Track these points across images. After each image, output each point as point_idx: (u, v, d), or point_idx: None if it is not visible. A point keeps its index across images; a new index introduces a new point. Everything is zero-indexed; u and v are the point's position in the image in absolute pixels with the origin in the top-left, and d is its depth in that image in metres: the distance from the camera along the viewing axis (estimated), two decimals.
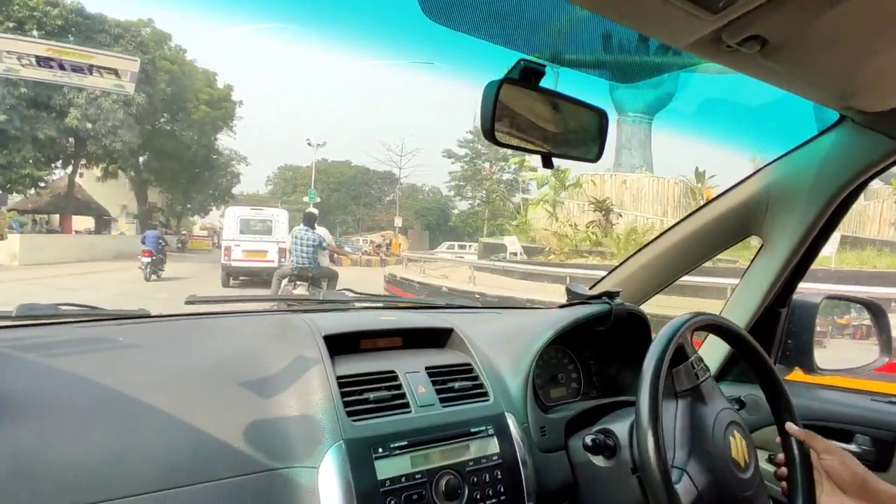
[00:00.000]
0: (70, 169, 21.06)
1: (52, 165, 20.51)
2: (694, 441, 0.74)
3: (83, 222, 23.15)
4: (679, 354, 0.76)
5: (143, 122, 19.72)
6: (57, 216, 22.42)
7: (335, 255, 6.67)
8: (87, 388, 0.70)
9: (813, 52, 0.67)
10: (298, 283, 5.63)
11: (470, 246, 28.40)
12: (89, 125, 17.81)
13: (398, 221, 33.26)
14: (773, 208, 1.07)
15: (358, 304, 1.19)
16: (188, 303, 1.02)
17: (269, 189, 45.85)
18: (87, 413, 0.66)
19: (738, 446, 0.76)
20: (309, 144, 32.47)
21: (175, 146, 22.69)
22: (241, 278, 11.25)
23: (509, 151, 36.24)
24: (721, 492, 0.72)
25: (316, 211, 6.81)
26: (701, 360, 0.80)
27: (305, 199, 31.41)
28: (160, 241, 11.84)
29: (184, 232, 29.57)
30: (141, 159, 23.33)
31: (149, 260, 11.13)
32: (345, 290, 1.25)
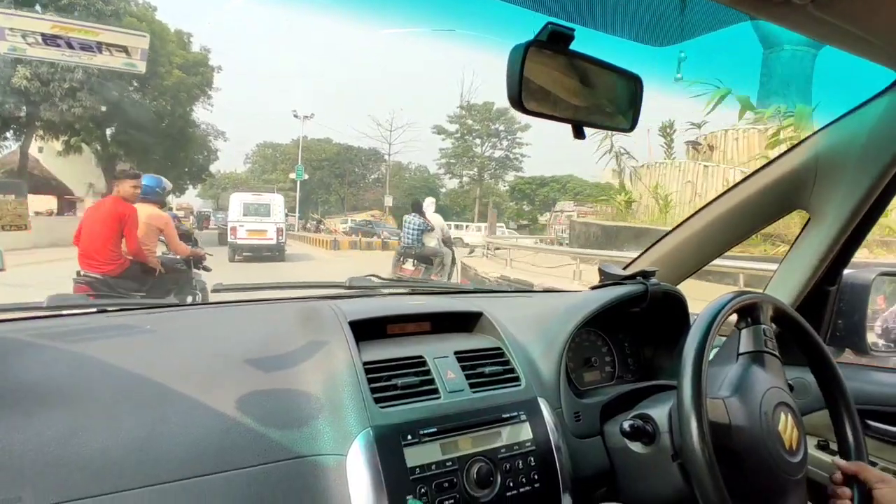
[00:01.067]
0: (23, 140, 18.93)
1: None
2: (740, 393, 0.74)
3: (44, 202, 22.03)
4: (750, 314, 0.76)
5: (106, 86, 17.41)
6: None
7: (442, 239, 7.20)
8: (116, 375, 0.72)
9: (869, 1, 0.64)
10: (406, 259, 6.71)
11: (467, 226, 27.85)
12: (41, 86, 15.67)
13: (388, 200, 32.82)
14: (822, 179, 1.04)
15: (385, 290, 1.20)
16: (214, 291, 1.06)
17: (248, 167, 45.39)
18: (116, 400, 0.69)
19: (786, 426, 0.76)
20: (295, 116, 31.84)
21: (146, 116, 20.37)
22: (244, 254, 13.41)
23: (501, 128, 36.28)
24: (766, 471, 0.72)
25: (423, 200, 7.64)
26: (772, 331, 0.80)
27: (292, 176, 30.97)
28: None
29: None
30: (108, 131, 21.52)
31: None
32: (371, 275, 1.26)
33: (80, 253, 3.51)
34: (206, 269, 4.23)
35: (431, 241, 6.89)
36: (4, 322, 0.85)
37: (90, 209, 3.80)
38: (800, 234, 1.11)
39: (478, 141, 37.49)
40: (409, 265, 6.64)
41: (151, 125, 20.93)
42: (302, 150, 37.78)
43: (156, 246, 3.84)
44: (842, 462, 0.80)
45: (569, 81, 0.78)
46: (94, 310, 0.95)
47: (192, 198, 40.44)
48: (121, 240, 3.49)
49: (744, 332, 0.78)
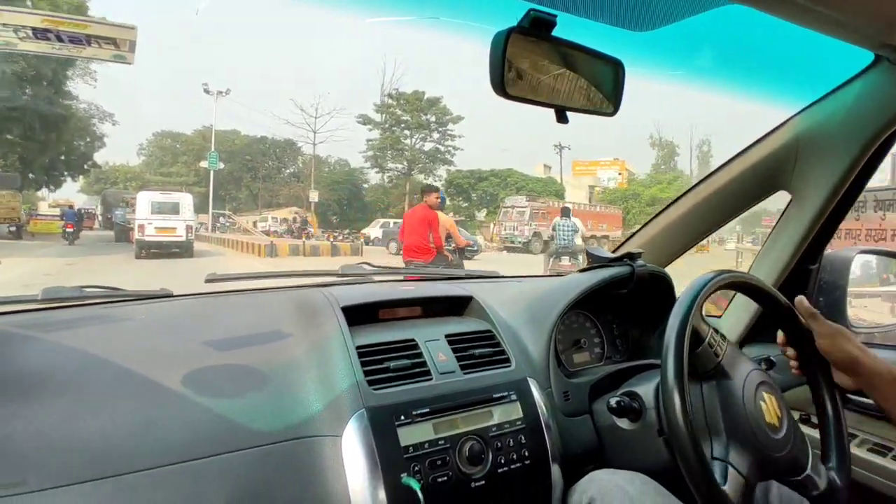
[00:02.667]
0: None
1: None
2: (727, 422, 0.81)
3: None
4: (695, 337, 0.84)
5: None
6: None
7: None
8: (113, 363, 0.79)
9: None
10: (563, 257, 8.41)
11: None
12: None
13: (314, 195, 31.63)
14: (803, 160, 1.13)
15: (377, 278, 1.29)
16: (208, 281, 1.12)
17: (143, 160, 42.71)
18: (112, 388, 0.75)
19: (769, 409, 0.84)
20: (207, 92, 29.14)
21: None
22: (152, 251, 14.26)
23: (432, 119, 36.22)
24: (760, 462, 0.79)
25: (570, 205, 8.95)
26: (717, 332, 0.88)
27: (203, 164, 28.64)
28: None
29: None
30: None
31: None
32: (363, 263, 1.34)
33: (405, 247, 5.09)
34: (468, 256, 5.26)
35: (579, 240, 8.79)
36: (2, 315, 0.90)
37: (407, 214, 5.59)
38: (782, 215, 1.22)
39: (407, 132, 36.98)
40: (566, 261, 8.34)
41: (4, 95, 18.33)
42: (206, 141, 35.64)
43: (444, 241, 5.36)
44: (803, 303, 0.88)
45: (551, 67, 0.83)
46: (89, 301, 1.01)
47: (73, 194, 36.37)
48: (429, 236, 4.98)
49: (694, 356, 0.83)
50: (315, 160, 39.44)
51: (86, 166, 27.20)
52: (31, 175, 24.29)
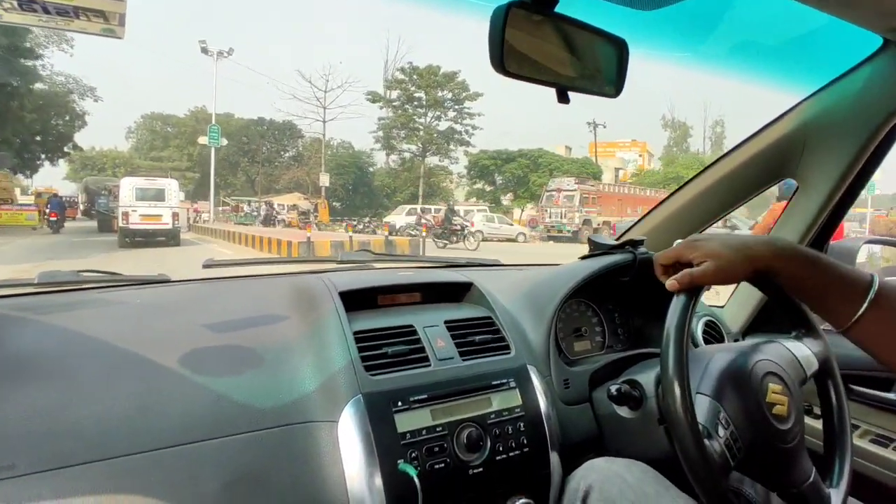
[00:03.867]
0: None
1: None
2: (727, 378, 0.87)
3: None
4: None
5: None
6: None
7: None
8: (108, 347, 0.86)
9: None
10: None
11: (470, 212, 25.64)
12: None
13: (324, 179, 31.06)
14: (810, 147, 1.20)
15: (377, 265, 1.37)
16: (206, 267, 1.21)
17: (133, 143, 43.13)
18: (109, 371, 0.82)
19: (775, 396, 0.88)
20: (205, 52, 28.21)
21: None
22: (136, 239, 14.80)
23: (448, 96, 36.00)
24: (757, 439, 0.84)
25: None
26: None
27: (203, 140, 27.81)
28: None
29: None
30: None
31: None
32: (363, 249, 1.44)
33: None
34: None
35: None
36: None
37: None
38: (788, 203, 1.29)
39: (421, 110, 36.60)
40: None
41: None
42: (199, 123, 35.60)
43: None
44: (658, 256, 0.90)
45: (553, 45, 0.88)
46: (86, 286, 1.09)
47: (59, 182, 36.96)
48: None
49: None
50: (317, 143, 38.81)
51: (66, 148, 26.54)
52: None
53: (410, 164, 38.59)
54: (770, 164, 1.29)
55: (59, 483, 0.69)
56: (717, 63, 1.26)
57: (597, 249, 1.27)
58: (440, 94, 36.10)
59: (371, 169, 40.21)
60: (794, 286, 0.84)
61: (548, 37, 0.87)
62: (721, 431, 0.83)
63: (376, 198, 37.23)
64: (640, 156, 41.86)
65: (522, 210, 32.72)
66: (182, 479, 0.74)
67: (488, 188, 37.53)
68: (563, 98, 0.91)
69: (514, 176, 34.96)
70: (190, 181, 38.57)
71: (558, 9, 0.83)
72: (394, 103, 37.39)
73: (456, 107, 36.74)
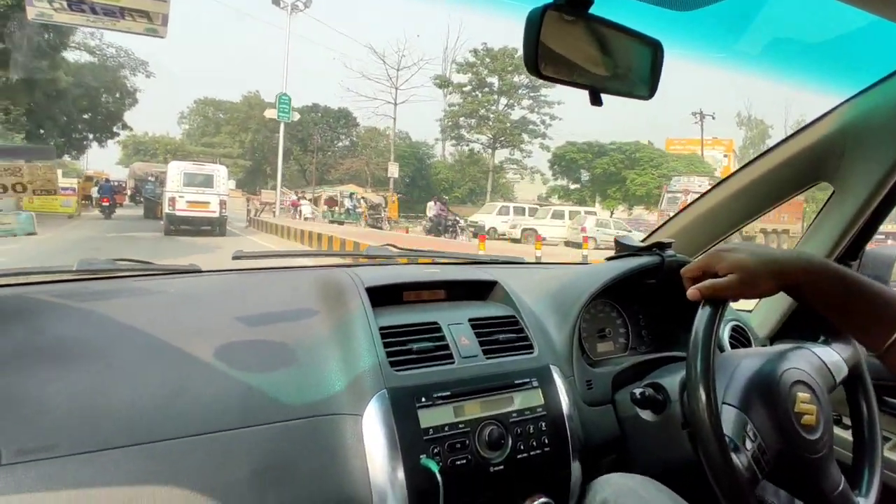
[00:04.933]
0: None
1: None
2: (754, 387, 0.94)
3: None
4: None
5: None
6: None
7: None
8: (142, 334, 0.97)
9: None
10: None
11: (532, 210, 25.72)
12: None
13: (393, 169, 30.27)
14: (849, 151, 1.25)
15: (402, 260, 1.50)
16: (235, 258, 1.34)
17: (185, 129, 44.50)
18: (142, 358, 0.93)
19: (804, 404, 0.94)
20: (277, 4, 28.19)
21: None
22: (182, 227, 15.49)
23: (524, 80, 35.59)
24: (785, 451, 0.90)
25: None
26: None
27: (270, 114, 26.78)
28: None
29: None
30: None
31: None
32: (388, 245, 1.56)
33: None
34: None
35: None
36: (39, 284, 1.12)
37: None
38: (822, 208, 1.34)
39: (494, 97, 35.89)
40: None
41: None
42: (252, 108, 36.14)
43: None
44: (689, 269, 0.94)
45: (587, 46, 0.94)
46: (121, 274, 1.22)
47: (112, 166, 39.20)
48: None
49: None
50: (371, 132, 39.00)
51: (115, 128, 26.21)
52: (40, 132, 21.29)
53: (471, 156, 37.90)
54: (806, 167, 1.34)
55: (97, 466, 0.76)
56: (755, 63, 1.31)
57: (623, 251, 1.35)
58: (516, 79, 35.81)
59: (430, 161, 40.24)
60: (823, 304, 0.86)
61: (582, 38, 0.93)
62: (748, 444, 0.89)
63: (433, 192, 37.07)
64: (726, 155, 39.94)
65: (612, 212, 31.84)
66: (212, 466, 0.82)
67: (572, 185, 36.44)
68: (595, 100, 0.96)
69: (605, 172, 33.73)
70: (241, 169, 39.51)
71: (592, 10, 0.89)
72: (464, 88, 36.87)
73: (531, 94, 36.62)
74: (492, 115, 36.74)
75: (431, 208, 22.39)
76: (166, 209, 15.90)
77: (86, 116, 23.92)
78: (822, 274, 0.86)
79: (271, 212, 25.81)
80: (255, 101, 40.98)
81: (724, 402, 0.93)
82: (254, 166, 41.98)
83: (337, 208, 27.14)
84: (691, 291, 0.90)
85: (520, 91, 36.37)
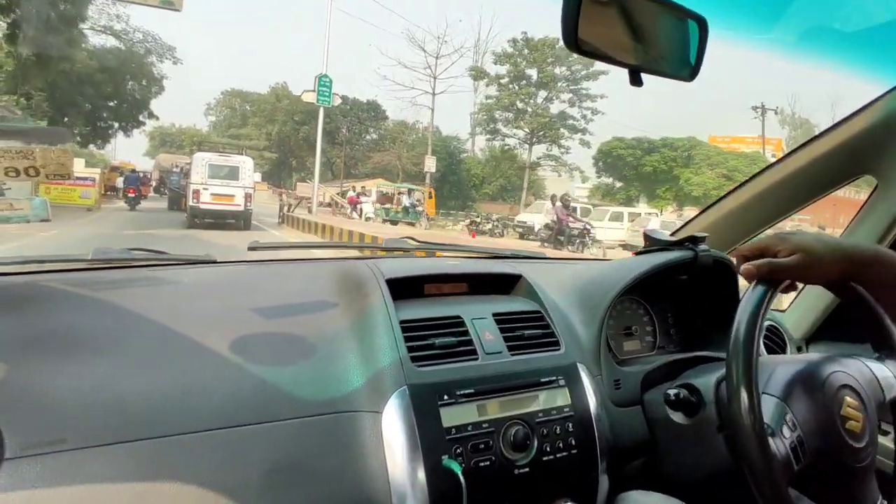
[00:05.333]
0: None
1: None
2: (797, 381, 0.92)
3: None
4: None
5: None
6: None
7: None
8: (155, 325, 0.97)
9: None
10: None
11: (585, 211, 24.30)
12: None
13: (430, 164, 29.27)
14: (894, 142, 1.23)
15: (419, 252, 1.50)
16: (251, 248, 1.34)
17: (212, 120, 45.63)
18: (156, 349, 0.92)
19: (850, 409, 0.92)
20: None
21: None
22: (206, 220, 15.61)
23: (564, 72, 35.16)
24: (828, 457, 0.89)
25: None
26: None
27: (308, 98, 24.23)
28: None
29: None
30: None
31: None
32: (407, 237, 1.56)
33: None
34: None
35: None
36: (52, 272, 1.13)
37: None
38: (866, 201, 1.32)
39: (532, 90, 36.05)
40: None
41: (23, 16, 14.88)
42: (280, 100, 36.53)
43: None
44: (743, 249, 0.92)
45: (628, 22, 0.94)
46: (136, 263, 1.24)
47: (139, 157, 40.08)
48: None
49: None
50: (400, 126, 39.11)
51: (141, 117, 26.18)
52: (64, 120, 21.57)
53: (506, 151, 37.60)
54: (847, 160, 1.32)
55: (107, 459, 0.76)
56: (795, 49, 1.29)
57: (653, 245, 1.33)
58: (557, 70, 35.39)
59: (461, 156, 40.07)
60: (889, 301, 0.85)
61: (623, 13, 0.93)
62: (787, 432, 0.87)
63: (463, 188, 36.97)
64: (774, 155, 39.00)
65: (660, 213, 31.32)
66: (226, 462, 0.81)
67: (618, 183, 35.46)
68: (635, 80, 0.95)
69: (655, 171, 32.76)
70: (267, 162, 40.06)
71: None
72: (501, 80, 36.36)
73: (571, 87, 36.09)
74: (530, 109, 36.22)
75: (549, 211, 19.69)
76: (190, 202, 15.99)
77: (111, 104, 23.89)
78: (892, 266, 0.84)
79: (306, 207, 23.87)
80: (283, 93, 41.57)
81: (763, 392, 0.91)
82: (280, 159, 42.54)
83: (392, 206, 25.81)
84: (746, 267, 0.88)
85: (559, 84, 35.76)
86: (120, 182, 21.99)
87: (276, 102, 40.80)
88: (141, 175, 24.11)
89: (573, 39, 0.86)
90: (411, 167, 36.64)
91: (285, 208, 21.74)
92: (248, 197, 16.28)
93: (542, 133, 35.95)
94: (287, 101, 40.56)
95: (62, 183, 16.42)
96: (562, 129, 36.13)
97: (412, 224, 23.29)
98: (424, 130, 40.95)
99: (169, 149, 40.24)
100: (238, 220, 16.15)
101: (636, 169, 33.87)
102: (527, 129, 36.07)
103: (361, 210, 24.17)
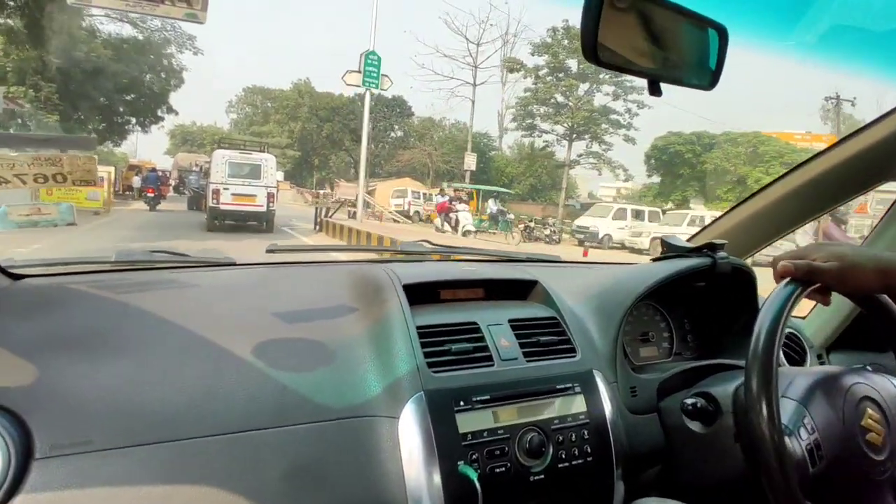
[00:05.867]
0: None
1: None
2: (817, 386, 0.95)
3: None
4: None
5: None
6: None
7: None
8: (177, 328, 1.03)
9: None
10: None
11: (653, 215, 23.25)
12: None
13: (471, 162, 28.37)
14: None
15: (435, 256, 1.56)
16: (269, 251, 1.42)
17: (233, 118, 45.97)
18: (178, 352, 0.98)
19: (872, 421, 0.96)
20: None
21: None
22: (227, 222, 15.45)
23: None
24: (847, 469, 0.92)
25: None
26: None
27: (352, 80, 20.65)
28: None
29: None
30: None
31: None
32: (422, 241, 1.63)
33: None
34: None
35: None
36: (76, 274, 1.19)
37: None
38: (890, 209, 1.36)
39: (574, 82, 34.80)
40: None
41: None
42: (302, 96, 36.28)
43: None
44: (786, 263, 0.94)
45: (647, 31, 0.97)
46: (158, 265, 1.30)
47: (159, 156, 40.21)
48: None
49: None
50: (427, 122, 38.86)
51: (160, 112, 25.79)
52: (77, 115, 21.16)
53: (542, 149, 37.03)
54: (871, 165, 1.35)
55: (131, 461, 0.81)
56: (821, 53, 1.32)
57: (670, 251, 1.37)
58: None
59: (490, 153, 39.68)
60: None
61: (642, 23, 0.96)
62: (804, 434, 0.91)
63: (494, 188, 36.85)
64: None
65: None
66: (245, 465, 0.86)
67: (676, 182, 33.55)
68: (654, 90, 0.99)
69: (717, 169, 31.00)
70: (290, 160, 40.16)
71: None
72: (539, 71, 35.51)
73: (614, 79, 34.04)
74: (571, 103, 35.12)
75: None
76: (210, 202, 15.66)
77: (128, 97, 23.12)
78: None
79: (345, 211, 21.81)
80: (305, 89, 41.78)
81: (782, 396, 0.94)
82: (302, 157, 42.88)
83: (477, 213, 22.90)
84: (784, 264, 0.92)
85: (601, 76, 33.99)
86: (137, 182, 21.85)
87: (299, 99, 40.95)
88: (160, 174, 23.40)
89: (592, 51, 0.89)
90: (441, 164, 36.47)
91: (322, 211, 20.30)
92: (270, 197, 15.97)
93: (583, 128, 34.84)
94: (309, 97, 40.79)
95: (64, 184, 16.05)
96: (604, 125, 35.03)
97: (503, 234, 20.25)
98: (451, 127, 40.87)
99: (190, 147, 40.52)
100: (261, 222, 15.97)
101: (693, 167, 32.45)
102: (566, 125, 35.13)
103: (457, 220, 20.67)
